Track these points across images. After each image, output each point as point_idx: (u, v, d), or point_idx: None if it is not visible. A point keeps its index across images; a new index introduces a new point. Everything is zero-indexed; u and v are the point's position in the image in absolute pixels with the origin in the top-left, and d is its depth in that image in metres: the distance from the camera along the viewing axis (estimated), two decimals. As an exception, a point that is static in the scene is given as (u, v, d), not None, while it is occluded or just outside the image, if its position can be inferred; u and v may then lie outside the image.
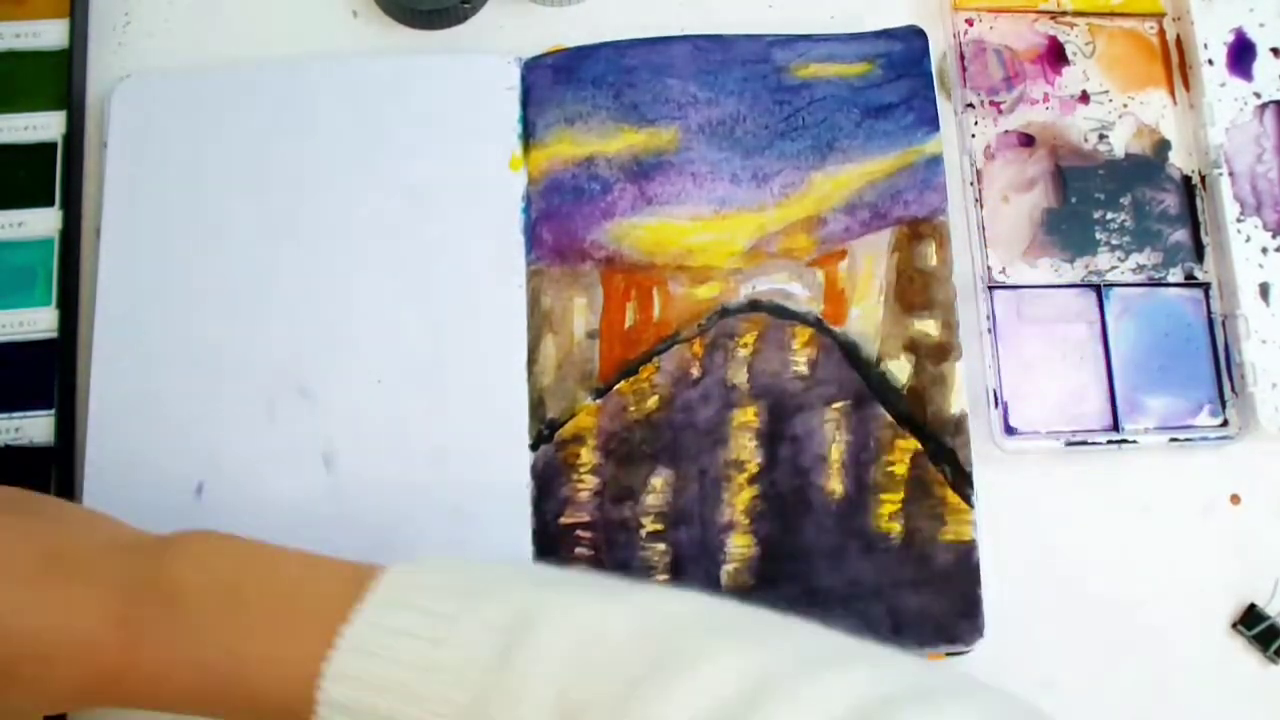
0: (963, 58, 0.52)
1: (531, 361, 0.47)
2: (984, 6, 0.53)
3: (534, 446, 0.46)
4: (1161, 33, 0.53)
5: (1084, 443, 0.48)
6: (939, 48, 0.51)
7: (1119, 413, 0.49)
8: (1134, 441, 0.48)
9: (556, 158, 0.49)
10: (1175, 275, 0.50)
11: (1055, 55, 0.53)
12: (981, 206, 0.50)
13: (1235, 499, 0.49)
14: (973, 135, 0.51)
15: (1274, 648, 0.47)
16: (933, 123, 0.49)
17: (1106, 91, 0.52)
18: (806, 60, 0.50)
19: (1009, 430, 0.48)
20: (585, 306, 0.48)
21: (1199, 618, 0.48)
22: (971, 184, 0.50)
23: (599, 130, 0.49)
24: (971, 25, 0.53)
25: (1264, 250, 0.50)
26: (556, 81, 0.50)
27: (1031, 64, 0.52)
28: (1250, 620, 0.47)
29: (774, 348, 0.47)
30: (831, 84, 0.50)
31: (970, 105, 0.51)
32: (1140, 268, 0.50)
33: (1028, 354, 0.49)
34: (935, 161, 0.49)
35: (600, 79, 0.50)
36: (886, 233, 0.49)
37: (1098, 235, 0.50)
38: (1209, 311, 0.50)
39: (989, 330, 0.49)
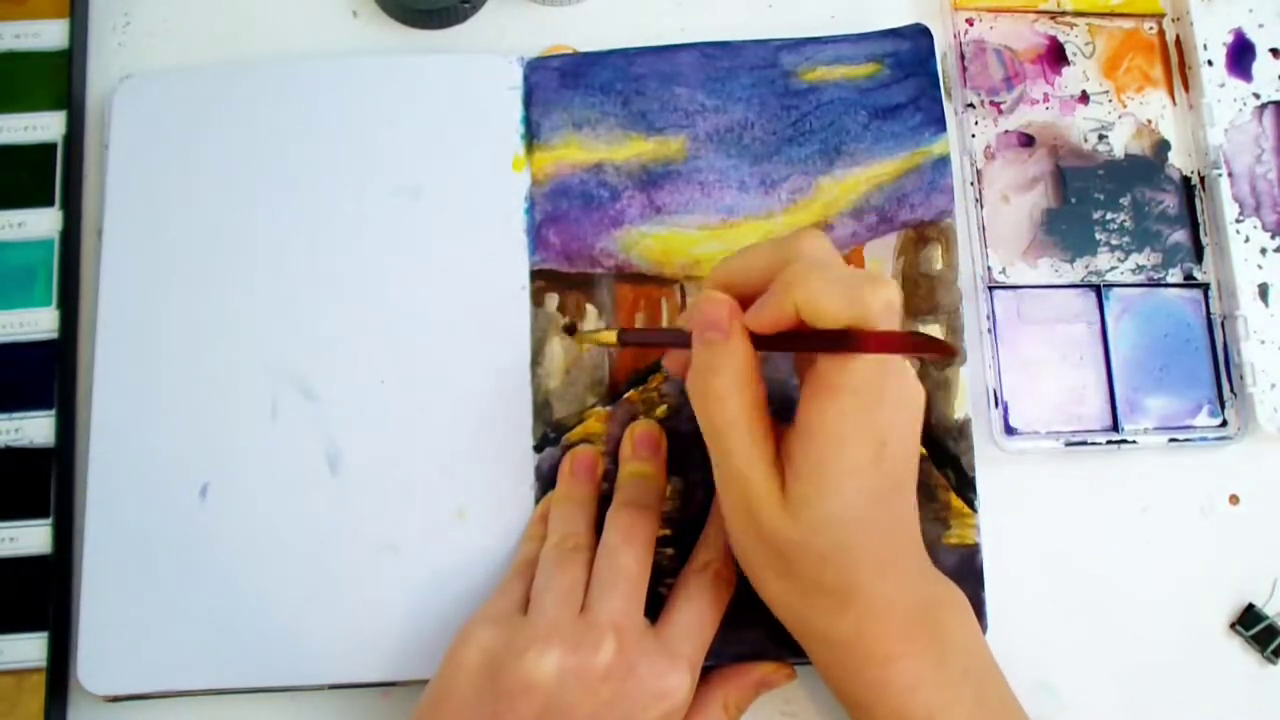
0: (963, 58, 0.52)
1: (536, 363, 0.47)
2: (984, 6, 0.53)
3: (538, 448, 0.46)
4: (1161, 33, 0.53)
5: (1084, 443, 0.48)
6: (939, 48, 0.51)
7: (1118, 413, 0.49)
8: (1133, 442, 0.48)
9: (563, 161, 0.49)
10: (1175, 276, 0.51)
11: (1055, 55, 0.53)
12: (982, 206, 0.50)
13: (1234, 499, 0.49)
14: (973, 135, 0.51)
15: (1272, 647, 0.47)
16: (939, 122, 0.49)
17: (1106, 92, 0.52)
18: (814, 64, 0.50)
19: (1009, 430, 0.48)
20: (595, 314, 0.48)
21: (1197, 617, 0.48)
22: (972, 184, 0.50)
23: (607, 137, 0.49)
24: (972, 25, 0.53)
25: (1263, 251, 0.50)
26: (563, 85, 0.50)
27: (1031, 64, 0.52)
28: (1248, 620, 0.47)
29: (780, 355, 0.47)
30: (839, 86, 0.50)
31: (970, 105, 0.51)
32: (1140, 268, 0.50)
33: (1028, 354, 0.49)
34: (942, 162, 0.49)
35: (609, 86, 0.50)
36: (892, 237, 0.49)
37: (1097, 235, 0.50)
38: (1208, 312, 0.50)
39: (989, 330, 0.49)
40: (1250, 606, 0.47)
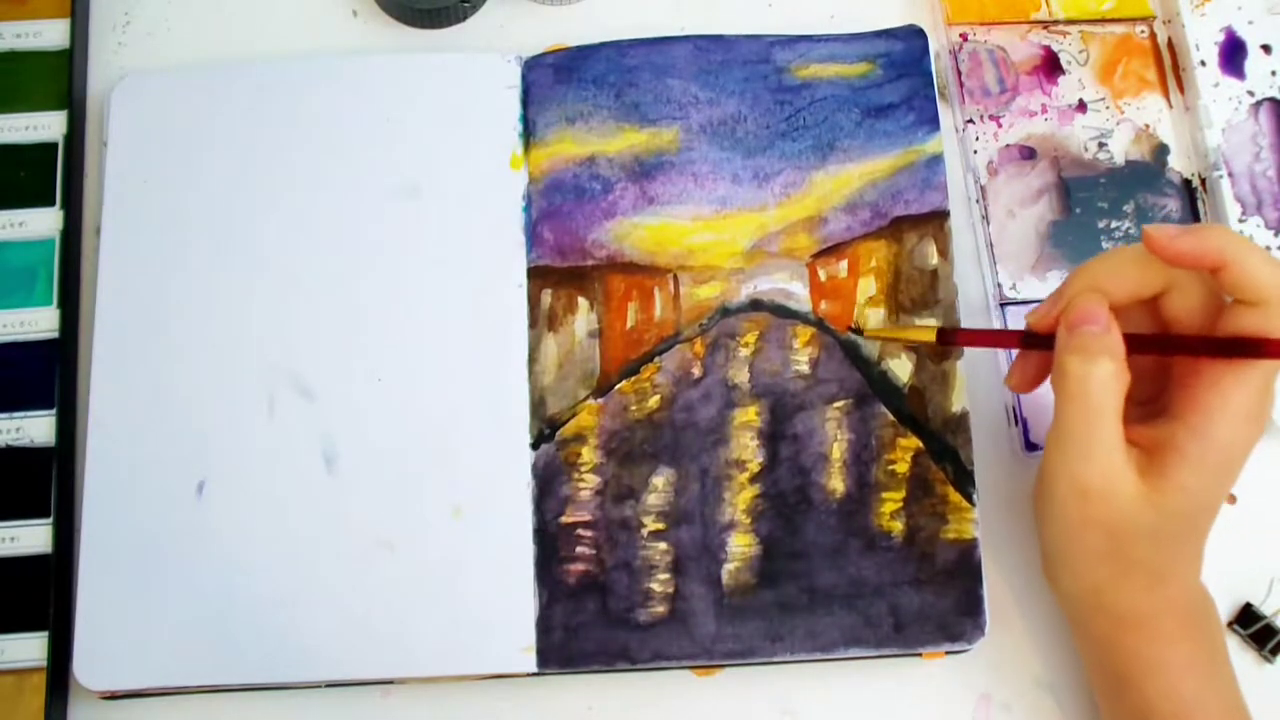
0: (959, 73, 0.52)
1: (532, 360, 0.47)
2: (978, 20, 0.53)
3: (535, 445, 0.46)
4: (1153, 36, 0.53)
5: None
6: (935, 55, 0.52)
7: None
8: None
9: (558, 157, 0.49)
10: (1179, 279, 0.51)
11: (1050, 66, 0.53)
12: (988, 223, 0.50)
13: (1232, 499, 0.49)
14: (975, 151, 0.51)
15: (1269, 646, 0.47)
16: (933, 122, 0.50)
17: (1103, 98, 0.52)
18: (807, 61, 0.51)
19: (1029, 447, 0.48)
20: (586, 306, 0.48)
21: (1196, 617, 0.48)
22: (977, 201, 0.50)
23: (600, 130, 0.49)
24: (966, 40, 0.53)
25: (1267, 249, 0.50)
26: (557, 80, 0.50)
27: (1028, 75, 0.52)
28: (1246, 619, 0.47)
29: (775, 347, 0.48)
30: (832, 84, 0.50)
31: (970, 121, 0.51)
32: (1146, 273, 0.50)
33: (1044, 370, 0.49)
34: (936, 160, 0.49)
35: (601, 79, 0.50)
36: (887, 231, 0.49)
37: (1104, 244, 0.50)
38: (1211, 311, 0.50)
39: (1006, 349, 0.49)
40: (1248, 605, 0.47)
